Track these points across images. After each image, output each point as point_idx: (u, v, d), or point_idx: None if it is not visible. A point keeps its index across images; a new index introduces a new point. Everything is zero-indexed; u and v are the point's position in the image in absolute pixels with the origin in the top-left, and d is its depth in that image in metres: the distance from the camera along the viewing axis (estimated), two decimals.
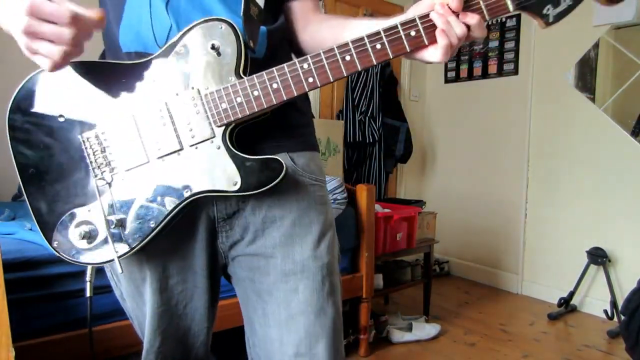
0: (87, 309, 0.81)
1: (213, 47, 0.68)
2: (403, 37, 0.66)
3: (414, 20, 0.67)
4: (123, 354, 1.53)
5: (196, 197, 0.71)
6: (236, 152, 0.70)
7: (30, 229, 1.58)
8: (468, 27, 0.66)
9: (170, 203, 0.71)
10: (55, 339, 1.43)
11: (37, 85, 0.72)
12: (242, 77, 0.69)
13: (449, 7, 0.65)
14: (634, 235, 2.82)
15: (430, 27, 0.66)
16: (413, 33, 0.66)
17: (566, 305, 3.00)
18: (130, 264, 0.79)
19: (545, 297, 3.23)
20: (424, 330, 2.56)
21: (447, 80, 3.87)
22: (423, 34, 0.66)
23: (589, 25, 2.92)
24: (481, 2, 0.66)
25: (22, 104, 0.73)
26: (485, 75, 3.60)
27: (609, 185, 2.94)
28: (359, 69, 0.67)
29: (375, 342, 2.44)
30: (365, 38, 0.66)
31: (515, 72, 3.41)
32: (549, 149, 3.25)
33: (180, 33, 0.70)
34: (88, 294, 0.81)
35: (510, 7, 0.66)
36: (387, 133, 3.53)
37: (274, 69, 0.68)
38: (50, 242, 0.74)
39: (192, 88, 0.70)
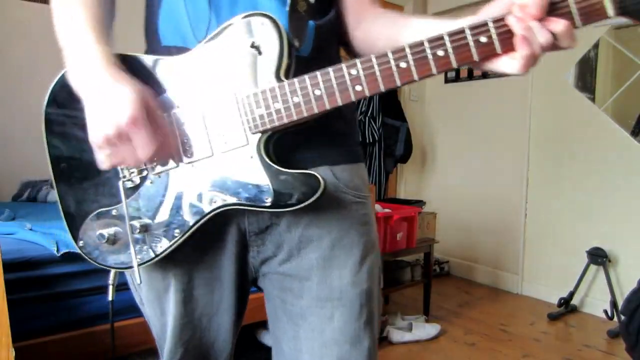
0: (108, 309, 0.79)
1: (253, 46, 0.62)
2: (471, 43, 0.57)
3: (485, 24, 0.56)
4: (125, 354, 1.53)
5: (224, 208, 0.66)
6: (270, 163, 0.64)
7: (31, 229, 1.58)
8: (554, 34, 0.55)
9: (197, 212, 0.67)
10: (55, 339, 1.43)
11: None
12: (282, 81, 0.62)
13: (530, 11, 0.55)
14: (634, 235, 2.82)
15: (506, 33, 0.56)
16: (484, 39, 0.57)
17: (566, 305, 3.00)
18: (154, 271, 0.75)
19: (545, 297, 3.23)
20: (424, 330, 2.56)
21: (447, 80, 3.88)
22: (496, 41, 0.56)
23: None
24: (572, 5, 0.54)
25: (58, 96, 0.70)
26: (485, 75, 3.60)
27: (609, 185, 2.94)
28: (416, 79, 0.59)
29: None
30: (426, 42, 0.58)
31: None
32: (549, 149, 3.25)
33: (219, 28, 0.64)
34: (110, 297, 0.78)
35: (610, 11, 0.54)
36: (387, 133, 3.53)
37: (317, 72, 0.61)
38: (75, 241, 0.72)
39: (228, 90, 0.64)
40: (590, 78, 3.02)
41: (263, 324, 2.06)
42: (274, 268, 0.76)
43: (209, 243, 0.73)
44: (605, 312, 2.83)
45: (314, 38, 0.70)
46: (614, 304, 2.76)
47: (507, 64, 0.58)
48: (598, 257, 2.88)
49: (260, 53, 0.62)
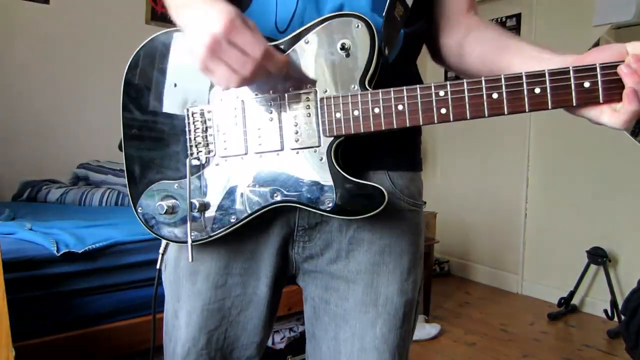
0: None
1: (343, 47, 0.61)
2: (573, 86, 0.54)
3: (593, 68, 0.53)
4: (126, 354, 1.53)
5: (283, 204, 0.66)
6: (339, 169, 0.63)
7: (31, 229, 1.57)
8: None
9: (256, 202, 0.67)
10: (55, 339, 1.43)
11: (159, 47, 0.70)
12: (366, 88, 0.61)
13: None
14: (634, 235, 2.82)
15: (613, 83, 0.53)
16: (587, 84, 0.54)
17: (566, 305, 3.00)
18: (186, 252, 0.74)
19: (545, 297, 3.23)
20: (424, 330, 2.56)
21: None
22: (600, 89, 0.53)
23: (589, 25, 2.92)
24: None
25: (142, 62, 0.71)
26: None
27: (609, 185, 2.94)
28: (505, 113, 0.56)
29: None
30: (524, 77, 0.55)
31: None
32: (549, 148, 3.25)
33: (311, 23, 0.63)
34: (158, 265, 0.80)
35: None
36: None
37: (404, 88, 0.60)
38: (135, 207, 0.73)
39: (309, 87, 0.64)
40: None
41: None
42: (321, 267, 0.75)
43: (253, 233, 0.73)
44: (605, 312, 2.83)
45: (401, 46, 0.68)
46: (614, 303, 2.76)
47: (608, 115, 0.55)
48: (598, 257, 2.88)
49: (348, 55, 0.62)
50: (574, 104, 0.55)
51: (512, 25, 3.41)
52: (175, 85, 0.70)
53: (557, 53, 0.62)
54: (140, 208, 0.73)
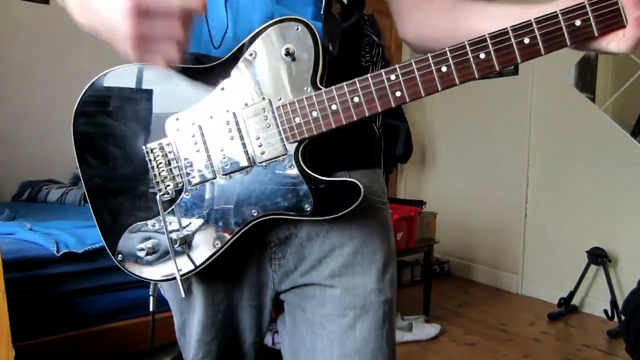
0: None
1: (288, 52, 0.61)
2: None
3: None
4: (125, 354, 1.54)
5: (264, 219, 0.65)
6: (309, 172, 0.63)
7: (31, 229, 1.58)
8: None
9: (236, 224, 0.65)
10: (55, 339, 1.43)
11: (101, 91, 0.68)
12: (319, 88, 0.61)
13: None
14: (634, 235, 2.82)
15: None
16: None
17: (566, 305, 3.00)
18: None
19: (545, 297, 3.23)
20: (424, 330, 2.56)
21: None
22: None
23: None
24: None
25: (87, 108, 0.68)
26: (485, 75, 3.60)
27: (609, 185, 2.94)
28: (457, 83, 0.57)
29: None
30: (467, 45, 0.57)
31: (515, 72, 3.41)
32: (549, 149, 3.25)
33: (251, 35, 0.63)
34: (151, 308, 0.77)
35: None
36: (387, 133, 3.52)
37: (355, 79, 0.60)
38: (114, 255, 0.70)
39: (264, 98, 0.63)
40: (590, 78, 3.02)
41: None
42: (295, 280, 0.74)
43: (233, 252, 0.71)
44: (605, 312, 2.83)
45: (340, 40, 0.68)
46: (614, 304, 2.76)
47: (615, 43, 0.56)
48: (598, 257, 2.88)
49: (294, 60, 0.61)
50: (519, 61, 0.57)
51: None
52: (125, 125, 0.67)
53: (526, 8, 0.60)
54: (119, 256, 0.70)
